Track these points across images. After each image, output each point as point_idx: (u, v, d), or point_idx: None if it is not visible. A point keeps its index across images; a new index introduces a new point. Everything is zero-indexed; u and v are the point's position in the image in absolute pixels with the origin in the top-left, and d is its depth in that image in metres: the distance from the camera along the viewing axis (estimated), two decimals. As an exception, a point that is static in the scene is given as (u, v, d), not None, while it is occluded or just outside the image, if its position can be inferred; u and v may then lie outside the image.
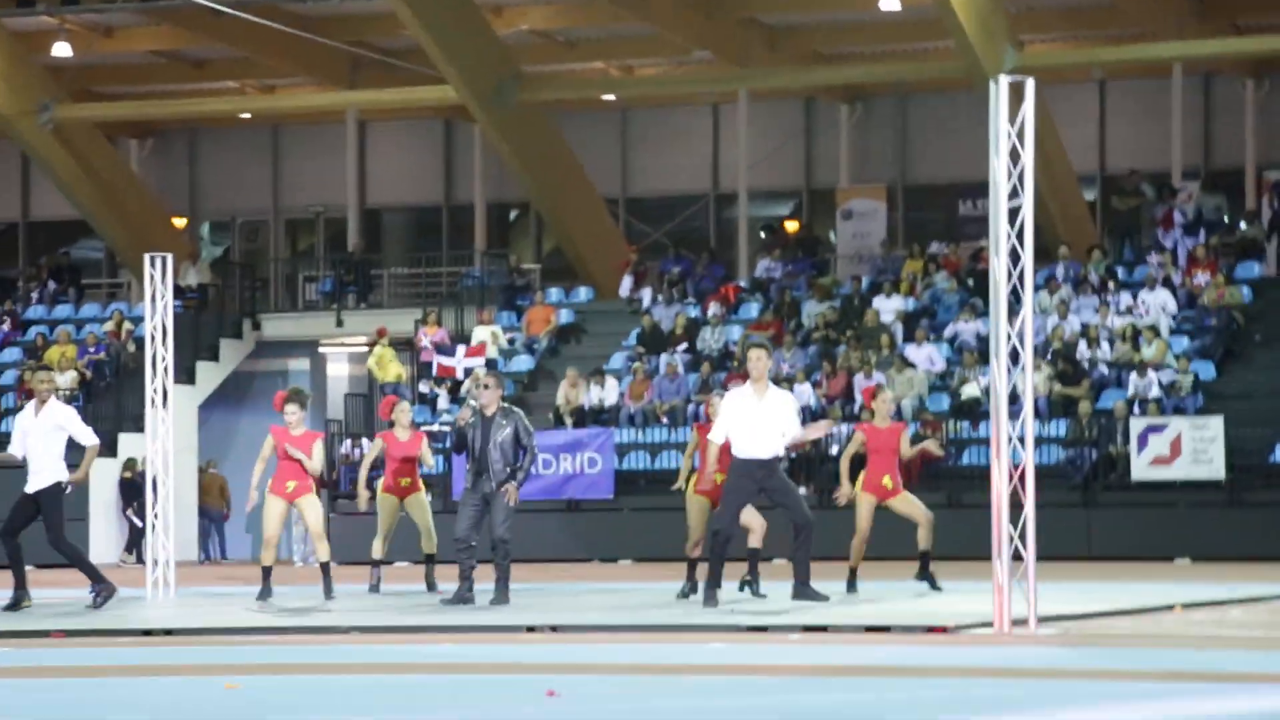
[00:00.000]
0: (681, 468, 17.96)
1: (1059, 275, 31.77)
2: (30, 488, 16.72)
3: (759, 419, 15.36)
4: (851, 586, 17.43)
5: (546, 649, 13.15)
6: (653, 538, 29.90)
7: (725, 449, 16.34)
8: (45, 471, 16.69)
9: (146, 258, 20.22)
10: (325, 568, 17.76)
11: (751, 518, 16.70)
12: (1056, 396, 29.31)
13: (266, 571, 17.80)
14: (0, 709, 10.04)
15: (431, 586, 18.95)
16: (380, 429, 23.24)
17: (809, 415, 30.07)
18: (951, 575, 17.70)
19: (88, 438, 16.95)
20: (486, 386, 16.56)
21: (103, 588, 16.71)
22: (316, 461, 17.58)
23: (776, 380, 29.41)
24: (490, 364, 33.44)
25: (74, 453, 16.91)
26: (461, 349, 33.58)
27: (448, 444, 17.04)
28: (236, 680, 10.94)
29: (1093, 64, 34.82)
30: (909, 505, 17.46)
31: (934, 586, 17.56)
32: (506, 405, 16.64)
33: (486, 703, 9.98)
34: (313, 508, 17.62)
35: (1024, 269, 14.04)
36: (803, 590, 15.55)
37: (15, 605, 16.80)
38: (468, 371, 33.15)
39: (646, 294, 34.75)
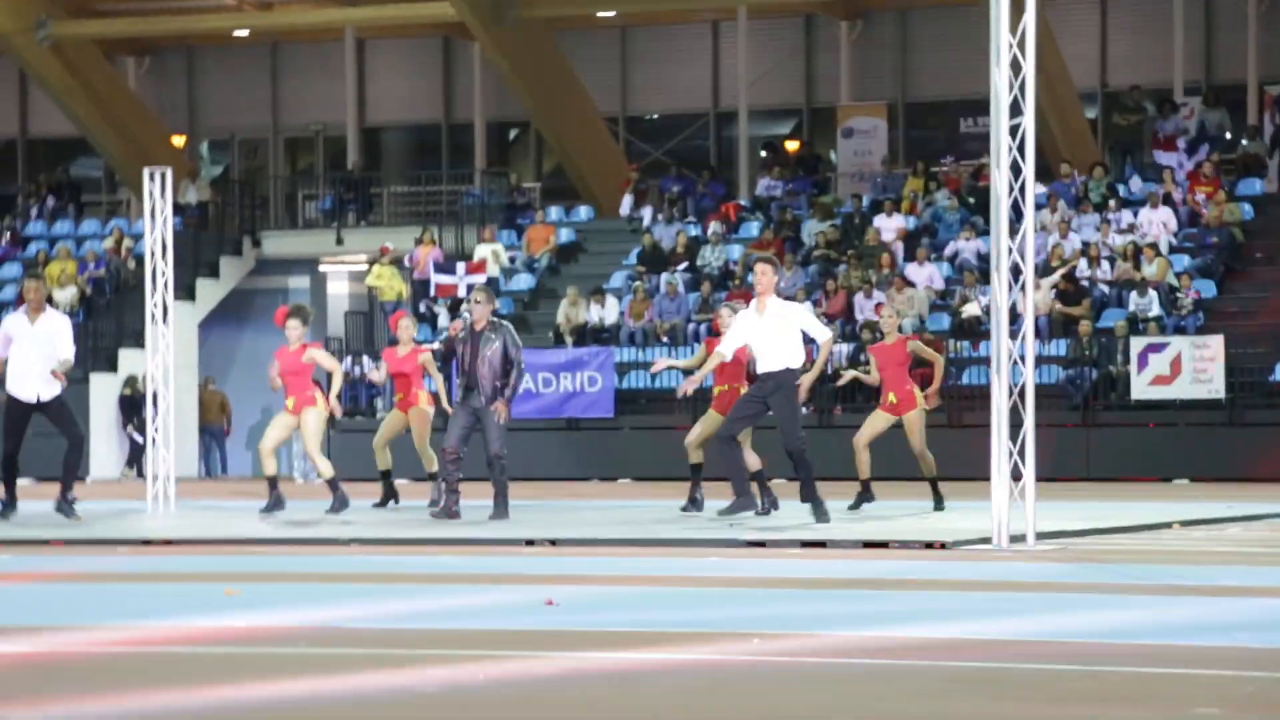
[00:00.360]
0: (686, 364, 17.97)
1: (1059, 193, 31.69)
2: (30, 395, 16.64)
3: (761, 335, 15.32)
4: (857, 503, 17.31)
5: (545, 562, 13.19)
6: (652, 457, 29.93)
7: (725, 366, 16.32)
8: (44, 379, 16.63)
9: (145, 172, 20.15)
10: (332, 483, 17.68)
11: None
12: (1057, 316, 29.27)
13: (272, 482, 17.73)
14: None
15: (433, 503, 18.95)
16: (385, 347, 23.22)
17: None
18: (951, 495, 17.69)
19: (68, 350, 16.88)
20: (477, 301, 16.54)
21: (10, 505, 16.91)
22: (325, 365, 17.49)
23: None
24: (491, 282, 33.38)
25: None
26: (462, 267, 33.53)
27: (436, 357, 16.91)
28: (236, 587, 10.98)
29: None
30: (911, 434, 17.31)
31: (939, 507, 17.46)
32: (496, 320, 16.62)
33: (485, 613, 10.01)
34: (309, 425, 17.49)
35: (1025, 182, 13.99)
36: (818, 511, 15.30)
37: (5, 515, 16.88)
38: (469, 289, 33.10)
39: (647, 213, 34.66)
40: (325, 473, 17.66)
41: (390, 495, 19.28)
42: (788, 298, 30.54)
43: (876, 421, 17.44)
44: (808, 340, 15.57)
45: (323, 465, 17.60)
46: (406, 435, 19.12)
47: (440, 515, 16.51)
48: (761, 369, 15.33)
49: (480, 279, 33.20)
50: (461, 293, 33.17)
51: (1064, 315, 29.36)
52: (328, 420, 17.98)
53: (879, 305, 28.53)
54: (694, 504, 17.42)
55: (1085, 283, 29.86)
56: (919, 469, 17.59)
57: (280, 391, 17.70)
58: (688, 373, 17.21)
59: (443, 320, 32.97)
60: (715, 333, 17.65)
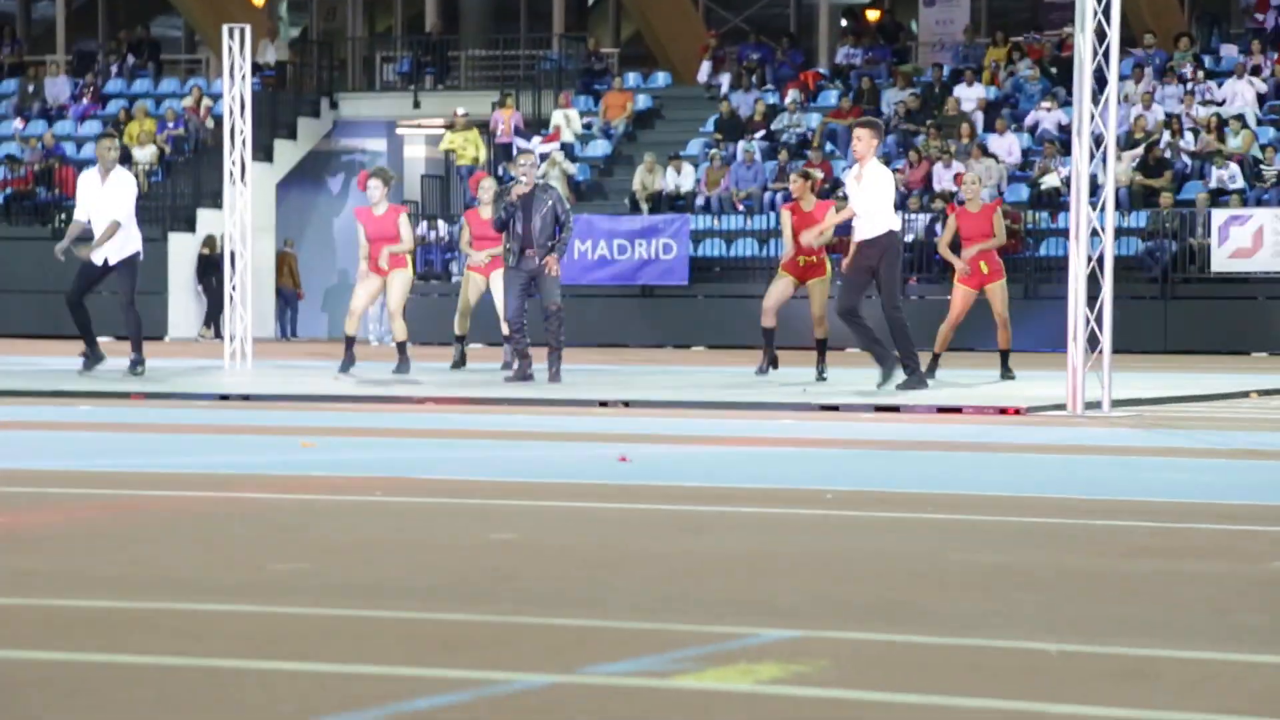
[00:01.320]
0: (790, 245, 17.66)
1: (1143, 62, 31.28)
2: (98, 258, 16.74)
3: (861, 199, 15.12)
4: (930, 372, 17.23)
5: (618, 421, 13.24)
6: (727, 324, 29.94)
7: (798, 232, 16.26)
8: (122, 241, 16.75)
9: (225, 29, 20.15)
10: (401, 346, 17.80)
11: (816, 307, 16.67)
12: (1137, 188, 28.99)
13: (349, 342, 17.81)
14: (82, 452, 10.24)
15: (506, 365, 18.98)
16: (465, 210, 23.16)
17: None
18: (1026, 365, 17.62)
19: (118, 211, 16.81)
20: (522, 165, 16.52)
21: (94, 356, 17.02)
22: (405, 237, 17.49)
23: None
24: (565, 148, 33.32)
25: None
26: (537, 139, 33.43)
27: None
28: (312, 440, 11.08)
29: None
30: (995, 300, 17.15)
31: (1008, 376, 17.37)
32: (543, 181, 16.63)
33: (558, 466, 10.08)
34: (398, 285, 17.50)
35: (1110, 49, 13.82)
36: (912, 379, 15.17)
37: (91, 365, 17.04)
38: (542, 156, 33.05)
39: (725, 80, 34.44)
40: (399, 335, 17.75)
41: (463, 360, 19.31)
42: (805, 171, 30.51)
43: (966, 294, 17.09)
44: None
45: (398, 328, 17.69)
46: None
47: (515, 379, 16.58)
48: (866, 234, 15.10)
49: (554, 146, 33.15)
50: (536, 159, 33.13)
51: (1144, 187, 29.08)
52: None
53: (959, 175, 28.32)
54: (772, 366, 17.37)
55: (1166, 154, 29.53)
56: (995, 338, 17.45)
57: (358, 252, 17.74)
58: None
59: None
60: (791, 198, 17.53)
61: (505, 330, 17.15)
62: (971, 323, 17.69)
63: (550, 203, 16.42)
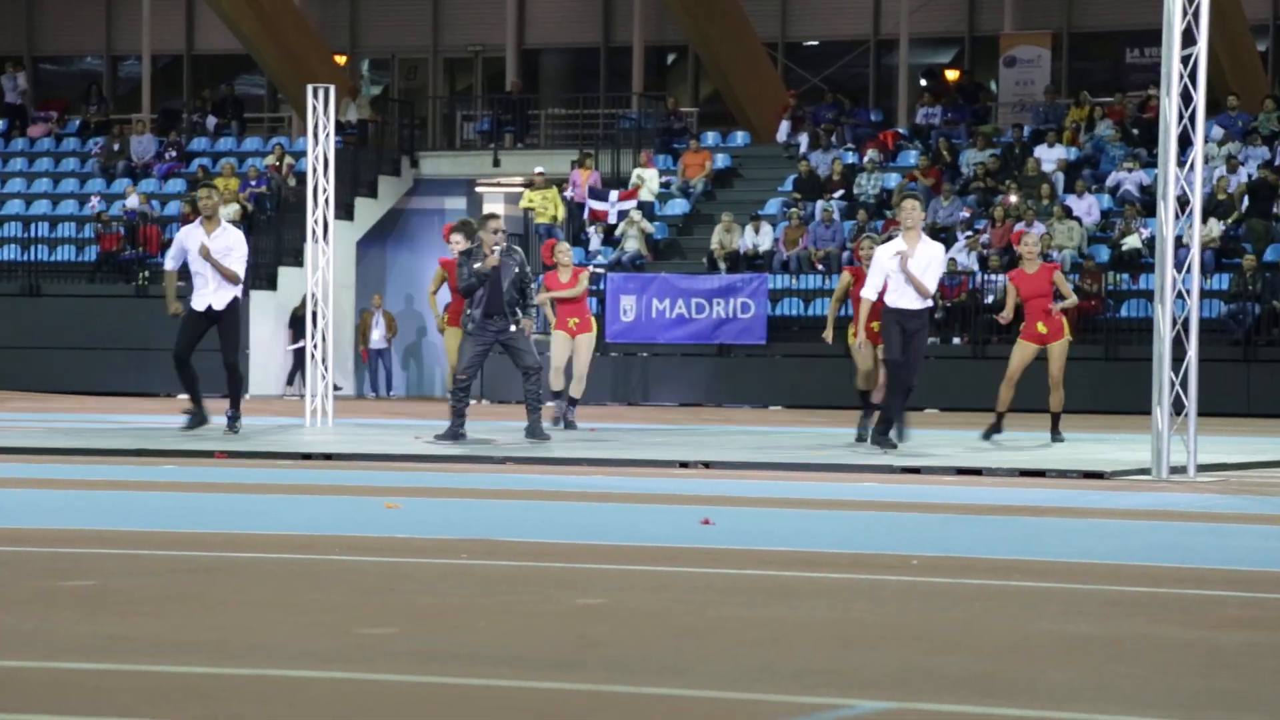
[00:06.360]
0: (829, 314, 17.72)
1: (1227, 125, 31.13)
2: (204, 304, 16.62)
3: (924, 272, 15.21)
4: (989, 433, 17.13)
5: (699, 483, 13.23)
6: (804, 384, 29.90)
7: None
8: (226, 289, 16.60)
9: (309, 88, 20.33)
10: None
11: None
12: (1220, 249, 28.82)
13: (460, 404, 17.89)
14: (168, 513, 10.31)
15: (570, 425, 18.94)
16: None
17: (954, 269, 29.99)
18: (1105, 428, 17.52)
19: (240, 265, 16.84)
20: (496, 231, 16.44)
21: (199, 416, 16.89)
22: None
23: (933, 231, 29.15)
24: (643, 207, 33.40)
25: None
26: (615, 194, 33.55)
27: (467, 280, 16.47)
28: (395, 501, 11.12)
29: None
30: (1053, 361, 17.13)
31: (1057, 439, 17.22)
32: (506, 245, 16.59)
33: (641, 529, 10.08)
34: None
35: (1196, 111, 13.77)
36: (880, 437, 15.42)
37: (196, 424, 16.94)
38: (621, 215, 33.15)
39: (804, 139, 34.48)
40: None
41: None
42: (945, 228, 30.43)
43: (1025, 353, 17.20)
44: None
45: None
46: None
47: (445, 438, 16.37)
48: (903, 304, 15.22)
49: (631, 205, 33.24)
50: (612, 218, 33.22)
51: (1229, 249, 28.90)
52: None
53: (1018, 232, 28.14)
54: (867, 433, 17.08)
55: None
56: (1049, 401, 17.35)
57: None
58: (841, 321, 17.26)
59: (594, 244, 33.08)
60: (856, 260, 17.48)
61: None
62: (1033, 379, 17.60)
63: (516, 268, 16.43)
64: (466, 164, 37.56)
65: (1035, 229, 29.61)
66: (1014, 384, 17.16)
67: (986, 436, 17.10)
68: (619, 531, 9.84)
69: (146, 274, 33.90)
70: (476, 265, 16.31)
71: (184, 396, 17.27)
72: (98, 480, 12.92)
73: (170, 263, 17.08)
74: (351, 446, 16.24)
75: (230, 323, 16.71)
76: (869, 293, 15.57)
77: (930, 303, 15.53)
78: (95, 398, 30.59)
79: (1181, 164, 13.88)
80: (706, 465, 14.60)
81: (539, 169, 34.20)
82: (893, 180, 32.57)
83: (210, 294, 16.61)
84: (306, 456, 15.37)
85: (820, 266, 31.01)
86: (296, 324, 33.77)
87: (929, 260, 15.35)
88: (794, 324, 30.87)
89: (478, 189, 38.14)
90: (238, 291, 16.75)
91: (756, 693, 5.21)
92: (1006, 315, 17.36)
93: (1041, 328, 17.09)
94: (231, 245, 16.66)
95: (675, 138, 35.80)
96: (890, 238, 17.07)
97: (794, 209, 32.02)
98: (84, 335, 33.44)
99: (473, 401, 18.20)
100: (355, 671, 5.52)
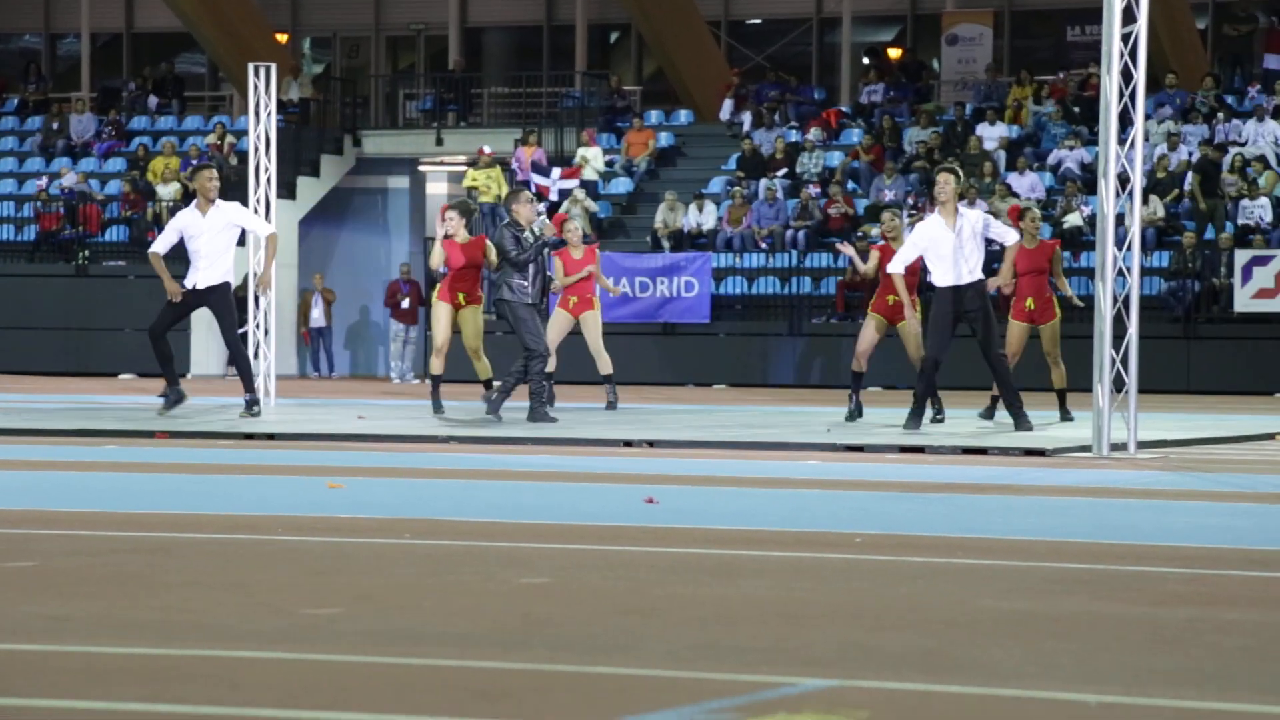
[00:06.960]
0: (901, 295, 16.89)
1: (1166, 103, 31.28)
2: (197, 283, 16.35)
3: (953, 246, 14.93)
4: (989, 412, 17.03)
5: (643, 462, 13.24)
6: (748, 363, 29.96)
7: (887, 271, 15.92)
8: (216, 269, 16.37)
9: (250, 67, 20.23)
10: (487, 384, 17.55)
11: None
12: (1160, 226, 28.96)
13: (436, 381, 17.86)
14: (111, 493, 10.26)
15: (613, 405, 18.77)
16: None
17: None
18: (1046, 405, 17.55)
19: (264, 227, 16.98)
20: (530, 202, 16.41)
21: (175, 395, 16.71)
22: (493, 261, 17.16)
23: (874, 210, 29.21)
24: (587, 186, 33.37)
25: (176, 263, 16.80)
26: (557, 172, 33.51)
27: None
28: (338, 480, 11.09)
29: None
30: (1050, 343, 17.03)
31: (1066, 418, 17.13)
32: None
33: (586, 507, 10.09)
34: (472, 321, 17.42)
35: (1136, 89, 13.84)
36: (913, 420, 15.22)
37: (174, 403, 16.71)
38: (564, 193, 33.11)
39: (747, 118, 34.50)
40: (435, 369, 17.82)
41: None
42: (888, 205, 30.47)
43: (1016, 332, 17.07)
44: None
45: (479, 366, 17.57)
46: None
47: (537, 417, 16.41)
48: (953, 281, 14.90)
49: (574, 183, 33.19)
50: (554, 196, 33.17)
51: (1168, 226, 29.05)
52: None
53: (1012, 208, 28.15)
54: (858, 412, 16.97)
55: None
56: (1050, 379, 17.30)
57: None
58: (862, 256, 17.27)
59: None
60: (882, 238, 17.18)
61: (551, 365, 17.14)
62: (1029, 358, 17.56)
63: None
64: (409, 143, 37.43)
65: (979, 205, 29.73)
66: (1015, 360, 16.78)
67: (987, 415, 17.02)
68: (563, 511, 9.84)
69: (86, 253, 33.70)
70: (539, 235, 16.28)
71: (155, 377, 17.03)
72: (38, 461, 12.86)
73: (160, 246, 16.74)
74: (294, 426, 16.19)
75: (221, 303, 16.39)
76: (896, 267, 15.42)
77: (980, 273, 15.03)
78: (34, 378, 30.40)
79: (1122, 142, 13.95)
80: (650, 444, 14.61)
81: (486, 147, 34.12)
82: (835, 159, 32.63)
83: (199, 273, 16.40)
84: (249, 436, 15.32)
85: (764, 245, 31.05)
86: (238, 304, 33.57)
87: (978, 226, 15.00)
88: (737, 302, 30.91)
89: (421, 168, 38.05)
90: (230, 275, 16.52)
91: (700, 671, 5.23)
92: (1002, 281, 16.59)
93: (1030, 304, 16.99)
94: (235, 219, 16.54)
95: (618, 116, 35.78)
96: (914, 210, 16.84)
97: (737, 187, 32.04)
98: (23, 315, 33.22)
99: (395, 380, 18.18)
100: (300, 652, 5.51)
